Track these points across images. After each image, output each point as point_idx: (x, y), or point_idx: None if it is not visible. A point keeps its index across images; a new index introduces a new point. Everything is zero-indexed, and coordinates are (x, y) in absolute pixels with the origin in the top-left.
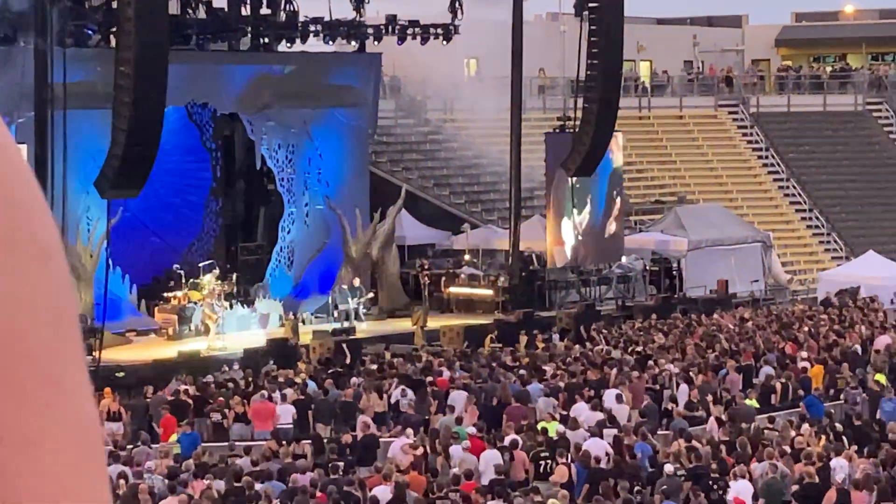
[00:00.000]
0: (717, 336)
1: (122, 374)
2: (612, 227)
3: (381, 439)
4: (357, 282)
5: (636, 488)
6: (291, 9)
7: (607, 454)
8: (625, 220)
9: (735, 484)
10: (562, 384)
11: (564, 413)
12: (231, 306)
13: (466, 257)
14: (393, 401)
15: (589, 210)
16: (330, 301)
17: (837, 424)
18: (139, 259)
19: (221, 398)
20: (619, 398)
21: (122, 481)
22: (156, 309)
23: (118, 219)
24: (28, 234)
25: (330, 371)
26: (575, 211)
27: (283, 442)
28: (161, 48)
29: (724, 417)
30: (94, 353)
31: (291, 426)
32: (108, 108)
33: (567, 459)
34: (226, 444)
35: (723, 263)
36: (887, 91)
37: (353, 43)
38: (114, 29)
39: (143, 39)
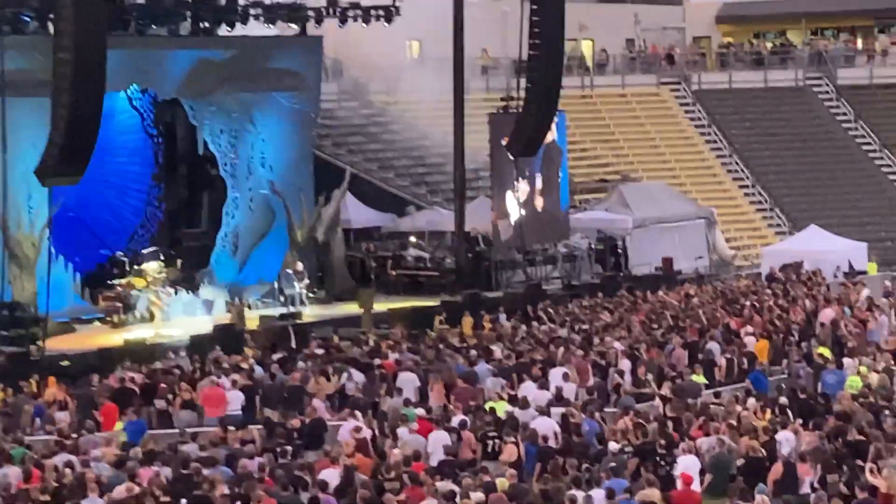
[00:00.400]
0: (663, 313)
1: (67, 362)
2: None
3: (329, 423)
4: (300, 266)
5: (584, 466)
6: None
7: (556, 433)
8: (570, 200)
9: (682, 459)
10: (509, 364)
11: (512, 393)
12: (176, 293)
13: (412, 239)
14: (340, 384)
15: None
16: (276, 286)
17: (782, 398)
18: (82, 247)
19: (164, 385)
20: (565, 377)
21: (68, 470)
22: (100, 297)
23: (59, 206)
24: None
25: (277, 356)
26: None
27: (232, 427)
28: (100, 34)
29: (670, 393)
30: (38, 342)
31: (240, 412)
32: (47, 95)
33: (515, 439)
34: (173, 430)
35: (667, 241)
36: (827, 66)
37: (294, 26)
38: (51, 15)
39: (81, 25)
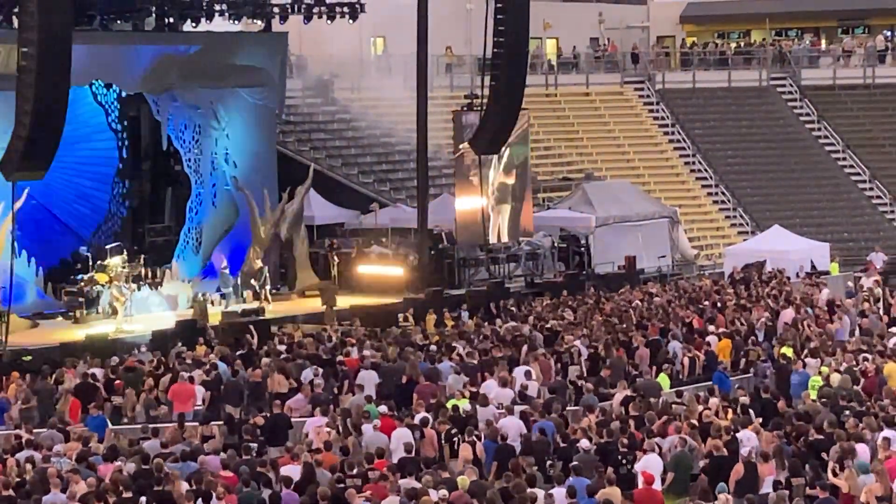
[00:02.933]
0: (626, 312)
1: (29, 357)
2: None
3: (292, 419)
4: (259, 262)
5: (548, 463)
6: None
7: (520, 432)
8: (533, 198)
9: (644, 458)
10: (472, 362)
11: (474, 390)
12: (139, 288)
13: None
14: (304, 381)
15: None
16: (239, 282)
17: (744, 398)
18: (45, 242)
19: (121, 381)
20: (528, 375)
21: (28, 465)
22: (62, 292)
23: (23, 201)
24: None
25: (239, 352)
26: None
27: (193, 423)
28: (64, 28)
29: (632, 392)
30: (0, 338)
31: (202, 408)
32: (12, 89)
33: (471, 438)
34: (136, 426)
35: (630, 239)
36: (791, 66)
37: (259, 22)
38: (16, 9)
39: (45, 20)
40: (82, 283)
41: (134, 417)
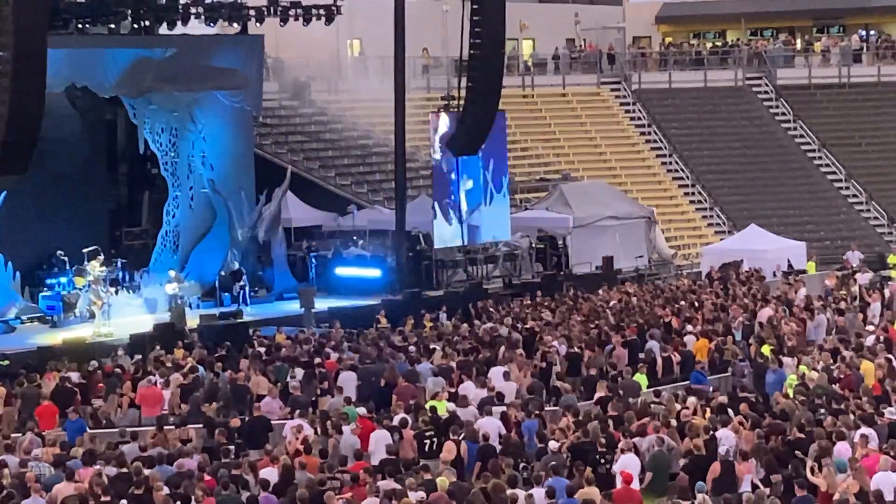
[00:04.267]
0: (604, 312)
1: (6, 362)
2: None
3: (273, 422)
4: (236, 265)
5: (523, 465)
6: None
7: (499, 432)
8: (511, 199)
9: (622, 458)
10: (451, 363)
11: (453, 391)
12: (116, 292)
13: (353, 238)
14: (283, 383)
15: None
16: (217, 285)
17: (722, 397)
18: (22, 245)
19: (103, 384)
20: (506, 375)
21: (5, 470)
22: (39, 296)
23: None
24: None
25: (218, 355)
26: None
27: (173, 426)
28: (40, 32)
29: (610, 393)
30: None
31: (167, 412)
32: None
33: (457, 437)
34: (114, 430)
35: (608, 240)
36: (766, 66)
37: (235, 25)
38: None
39: (21, 23)
40: (59, 287)
41: (113, 422)
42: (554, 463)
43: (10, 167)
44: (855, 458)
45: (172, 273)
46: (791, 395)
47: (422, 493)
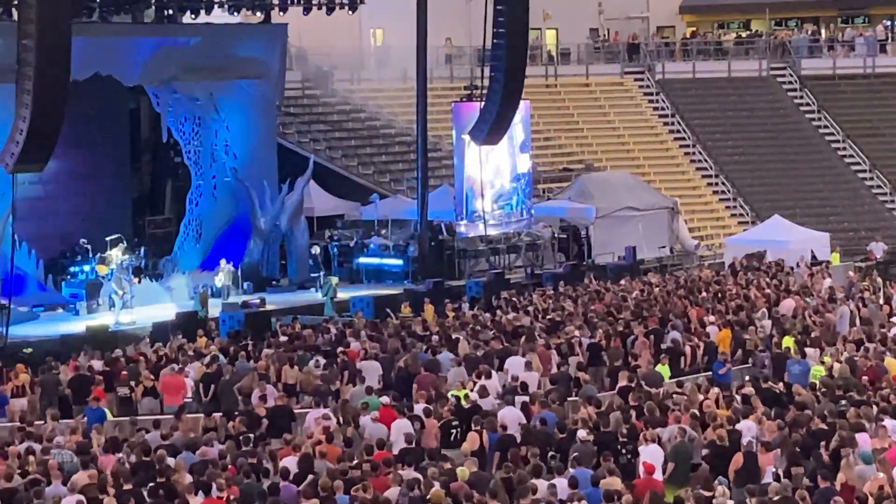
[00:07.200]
0: (626, 302)
1: (29, 350)
2: None
3: (295, 410)
4: (223, 262)
5: (549, 454)
6: None
7: (520, 422)
8: (533, 189)
9: (645, 448)
10: (473, 353)
11: (474, 381)
12: (139, 280)
13: (376, 228)
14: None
15: None
16: (239, 273)
17: (746, 388)
18: (46, 234)
19: (126, 372)
20: (528, 366)
21: (31, 457)
22: (63, 284)
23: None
24: None
25: (241, 343)
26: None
27: (198, 413)
28: (64, 21)
29: (632, 383)
30: (1, 330)
31: (202, 399)
32: (11, 82)
33: (478, 427)
34: (141, 417)
35: (630, 230)
36: (790, 56)
37: (259, 14)
38: (15, 1)
39: (45, 12)
40: (83, 276)
41: (137, 409)
42: (576, 453)
43: (33, 156)
44: (879, 450)
45: (223, 263)
46: (818, 386)
47: (443, 483)
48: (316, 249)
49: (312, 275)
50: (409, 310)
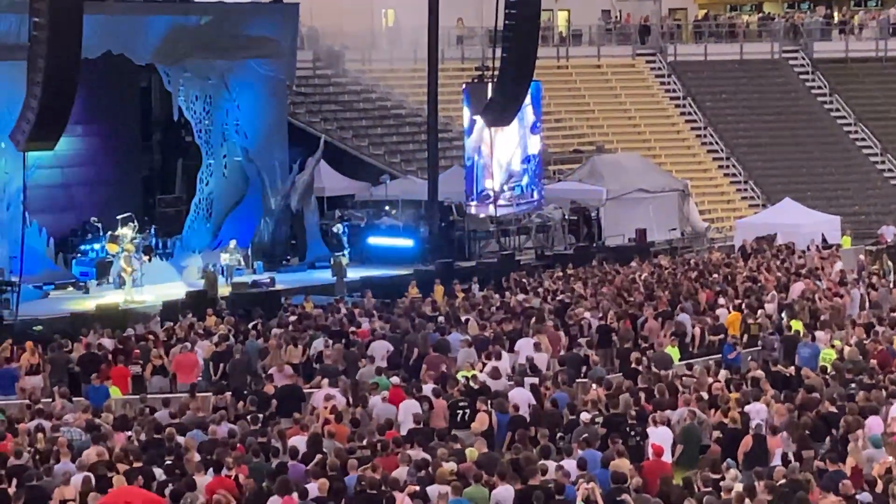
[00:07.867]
0: (635, 284)
1: (39, 327)
2: None
3: (304, 390)
4: (232, 244)
5: (558, 435)
6: None
7: (529, 403)
8: (544, 170)
9: (654, 430)
10: (482, 334)
11: (484, 362)
12: (150, 259)
13: (386, 208)
14: (314, 352)
15: None
16: (250, 253)
17: (755, 371)
18: (56, 212)
19: (138, 350)
20: (537, 347)
21: (39, 434)
22: (73, 261)
23: (33, 171)
24: None
25: (250, 323)
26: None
27: (208, 392)
28: None
29: (640, 365)
30: (11, 307)
31: (212, 377)
32: (23, 59)
33: (487, 408)
34: (155, 395)
35: (641, 212)
36: (803, 39)
37: None
38: None
39: None
40: (93, 254)
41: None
42: (585, 435)
43: (44, 134)
44: (888, 434)
45: (233, 244)
46: (828, 370)
47: (452, 464)
48: (339, 227)
49: (337, 253)
50: (416, 291)
